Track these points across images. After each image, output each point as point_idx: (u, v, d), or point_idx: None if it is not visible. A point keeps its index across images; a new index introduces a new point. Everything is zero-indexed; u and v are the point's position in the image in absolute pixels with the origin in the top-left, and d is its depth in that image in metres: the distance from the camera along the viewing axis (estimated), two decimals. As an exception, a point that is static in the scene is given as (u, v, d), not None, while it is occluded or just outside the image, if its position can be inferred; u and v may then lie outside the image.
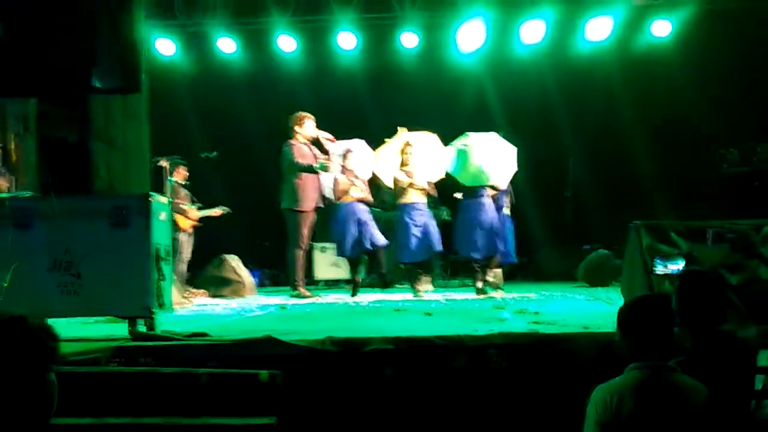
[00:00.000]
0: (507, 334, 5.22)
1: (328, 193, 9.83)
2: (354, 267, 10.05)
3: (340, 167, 9.66)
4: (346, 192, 9.59)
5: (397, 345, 5.10)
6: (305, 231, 9.51)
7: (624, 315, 3.81)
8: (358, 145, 10.01)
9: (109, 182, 5.73)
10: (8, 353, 2.48)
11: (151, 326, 5.58)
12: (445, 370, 5.04)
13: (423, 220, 9.53)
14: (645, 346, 3.65)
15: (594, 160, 12.81)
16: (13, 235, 5.48)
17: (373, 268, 10.20)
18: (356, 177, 9.72)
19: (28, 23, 5.49)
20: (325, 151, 9.75)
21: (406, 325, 6.26)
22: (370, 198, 9.80)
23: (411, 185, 9.51)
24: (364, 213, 9.67)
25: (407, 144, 9.69)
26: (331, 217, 9.87)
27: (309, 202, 9.51)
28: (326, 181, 9.84)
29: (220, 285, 10.40)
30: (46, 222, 5.50)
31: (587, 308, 7.37)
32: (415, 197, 9.57)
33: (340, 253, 9.94)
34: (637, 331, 3.69)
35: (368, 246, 9.55)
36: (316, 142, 9.77)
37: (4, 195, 7.07)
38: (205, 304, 9.19)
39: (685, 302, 3.93)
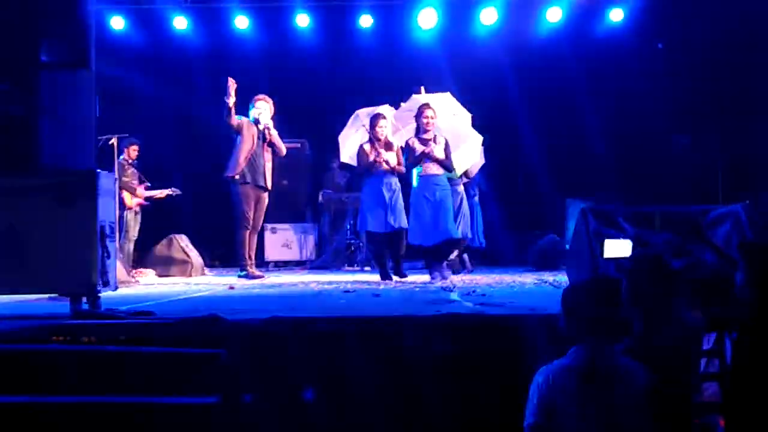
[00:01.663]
0: (454, 315, 5.24)
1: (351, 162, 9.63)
2: (376, 247, 9.44)
3: (367, 135, 9.20)
4: (372, 163, 8.99)
5: (342, 325, 5.09)
6: (242, 205, 9.33)
7: (568, 297, 3.85)
8: (388, 111, 9.49)
9: (54, 158, 5.62)
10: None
11: (94, 304, 5.50)
12: (390, 351, 5.03)
13: (441, 197, 8.69)
14: (588, 327, 3.69)
15: (547, 144, 12.88)
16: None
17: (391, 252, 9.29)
18: (387, 146, 9.06)
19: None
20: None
21: (354, 306, 6.26)
22: (401, 169, 8.98)
23: (425, 154, 8.63)
24: (391, 187, 9.01)
25: (427, 106, 8.80)
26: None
27: (236, 172, 9.34)
28: (350, 149, 9.58)
29: (168, 264, 10.31)
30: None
31: (534, 291, 7.43)
32: (432, 169, 8.71)
33: (360, 228, 9.62)
34: (581, 312, 3.72)
35: (393, 226, 8.90)
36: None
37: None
38: (153, 284, 9.11)
39: (634, 285, 3.97)
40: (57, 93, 5.71)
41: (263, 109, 9.45)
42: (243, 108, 9.43)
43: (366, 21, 12.46)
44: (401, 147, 9.00)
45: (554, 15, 12.27)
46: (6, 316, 5.22)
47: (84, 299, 5.50)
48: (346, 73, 12.99)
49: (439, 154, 8.65)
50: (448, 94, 9.63)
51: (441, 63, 12.22)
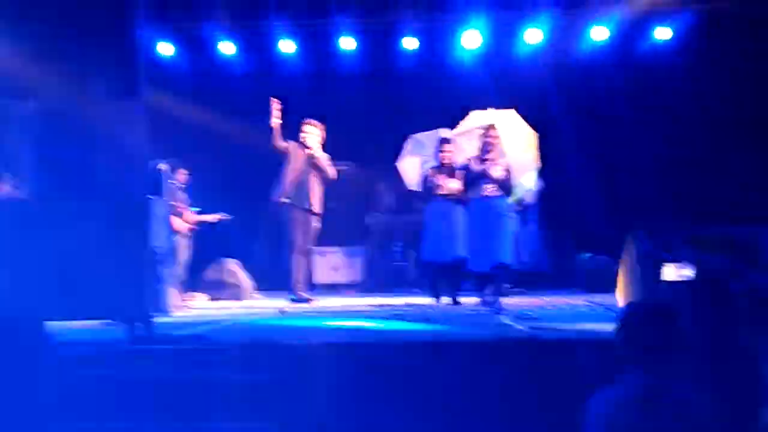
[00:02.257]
0: (505, 339, 5.21)
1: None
2: (432, 275, 9.34)
3: (430, 160, 9.12)
4: (435, 190, 8.89)
5: (395, 349, 5.08)
6: (291, 230, 9.38)
7: (623, 322, 3.78)
8: (447, 134, 9.32)
9: (107, 185, 5.70)
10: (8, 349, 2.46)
11: (148, 329, 5.55)
12: (442, 375, 5.01)
13: (497, 220, 8.45)
14: (644, 354, 3.62)
15: (597, 164, 12.76)
16: (15, 238, 5.47)
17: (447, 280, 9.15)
18: (450, 173, 8.91)
19: (28, 26, 5.47)
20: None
21: (405, 330, 6.24)
22: (465, 197, 8.73)
23: (484, 174, 8.45)
24: (453, 215, 8.85)
25: (491, 128, 8.64)
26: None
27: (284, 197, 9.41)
28: (413, 175, 9.53)
29: (218, 288, 10.39)
30: (45, 225, 5.48)
31: (587, 315, 7.34)
32: (490, 191, 8.48)
33: (421, 255, 9.46)
34: (636, 339, 3.66)
35: (451, 255, 8.75)
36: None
37: (4, 199, 7.08)
38: (204, 308, 9.17)
39: (692, 310, 3.90)
40: (109, 121, 5.79)
41: (311, 134, 9.50)
42: (292, 132, 9.49)
43: (410, 43, 12.48)
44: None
45: (599, 34, 12.19)
46: (64, 342, 5.29)
47: (138, 324, 5.55)
48: (392, 94, 13.01)
49: (498, 174, 8.47)
50: (512, 111, 9.40)
51: (485, 83, 12.21)
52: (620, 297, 6.44)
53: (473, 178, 8.47)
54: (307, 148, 9.41)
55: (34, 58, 5.41)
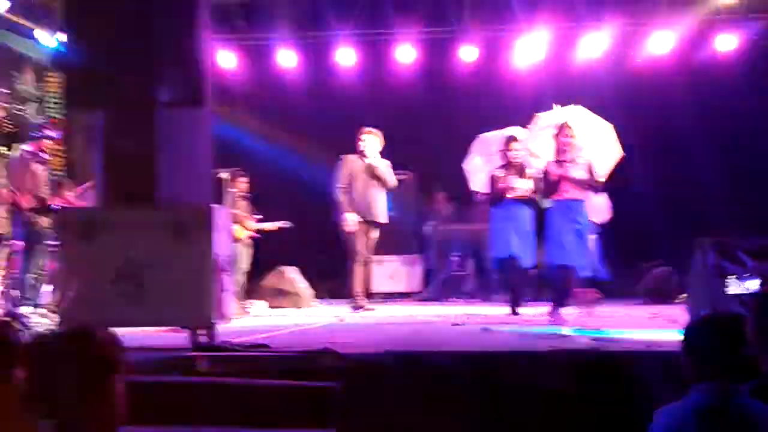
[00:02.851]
0: (568, 351, 5.15)
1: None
2: (506, 274, 9.11)
3: (495, 160, 8.93)
4: (503, 191, 8.63)
5: (458, 361, 5.06)
6: (351, 244, 9.45)
7: (689, 334, 3.72)
8: (521, 133, 8.88)
9: (171, 194, 5.79)
10: (74, 363, 2.49)
11: (211, 337, 5.62)
12: (502, 387, 4.97)
13: (578, 226, 7.96)
14: (711, 367, 3.55)
15: (655, 173, 12.59)
16: (78, 245, 5.58)
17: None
18: (520, 172, 8.65)
19: (97, 37, 5.58)
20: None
21: (464, 340, 6.22)
22: (534, 197, 8.49)
23: (564, 178, 7.93)
24: (521, 218, 8.62)
25: (565, 126, 8.09)
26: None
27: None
28: (480, 176, 9.35)
29: (278, 296, 10.46)
30: (109, 233, 5.58)
31: (650, 326, 7.23)
32: (572, 193, 7.96)
33: (492, 257, 9.27)
34: (703, 351, 3.59)
35: (517, 257, 8.50)
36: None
37: (69, 207, 7.24)
38: (264, 315, 9.25)
39: (760, 322, 3.81)
40: (173, 130, 5.89)
41: (369, 141, 9.52)
42: (351, 142, 9.50)
43: (468, 52, 12.47)
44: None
45: (661, 44, 12.04)
46: (127, 348, 5.37)
47: (200, 331, 5.62)
48: (450, 104, 13.01)
49: (579, 174, 7.96)
50: (580, 107, 8.86)
51: (544, 93, 12.12)
52: (686, 309, 6.34)
53: (553, 183, 7.94)
54: (365, 157, 9.44)
55: (101, 68, 5.52)
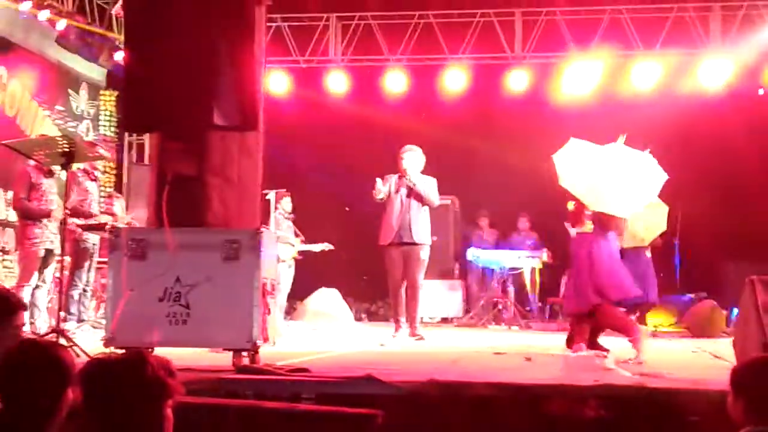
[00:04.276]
0: (611, 386, 5.09)
1: None
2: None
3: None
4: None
5: (500, 391, 5.03)
6: (389, 267, 9.14)
7: (739, 375, 3.66)
8: None
9: (221, 216, 5.85)
10: (129, 388, 2.54)
11: (254, 359, 5.65)
12: (546, 419, 4.93)
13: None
14: (762, 409, 3.50)
15: (702, 204, 12.45)
16: (128, 264, 5.66)
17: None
18: None
19: (154, 59, 5.68)
20: None
21: (507, 369, 6.17)
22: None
23: None
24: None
25: None
26: None
27: (384, 237, 9.14)
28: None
29: (318, 317, 10.51)
30: (159, 253, 5.65)
31: (695, 362, 7.13)
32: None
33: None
34: (754, 393, 3.54)
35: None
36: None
37: (120, 226, 7.34)
38: (305, 337, 9.27)
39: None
40: (226, 153, 5.96)
41: (409, 159, 9.18)
42: (393, 156, 9.41)
43: (518, 79, 12.49)
44: None
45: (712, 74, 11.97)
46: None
47: (244, 354, 5.65)
48: (498, 130, 13.02)
49: None
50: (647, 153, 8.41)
51: (595, 122, 12.05)
52: (733, 346, 6.22)
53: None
54: (407, 177, 9.10)
55: (157, 90, 5.60)
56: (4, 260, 10.56)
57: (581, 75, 12.18)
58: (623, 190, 7.76)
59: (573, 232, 8.11)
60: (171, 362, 2.71)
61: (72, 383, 2.67)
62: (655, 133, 12.37)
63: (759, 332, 5.36)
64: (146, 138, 11.75)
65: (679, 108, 12.38)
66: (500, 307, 12.00)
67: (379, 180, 9.05)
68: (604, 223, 7.81)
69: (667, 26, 11.88)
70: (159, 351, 5.74)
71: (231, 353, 5.68)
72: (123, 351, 4.52)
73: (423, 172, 9.30)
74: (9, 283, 8.58)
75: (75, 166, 7.60)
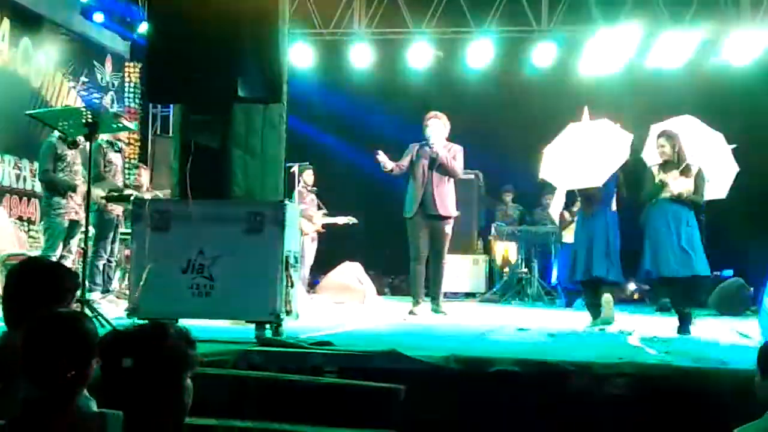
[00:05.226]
0: (637, 365, 5.05)
1: None
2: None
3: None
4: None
5: (524, 367, 5.00)
6: (411, 239, 8.85)
7: (764, 357, 3.62)
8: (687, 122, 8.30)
9: (245, 188, 5.84)
10: (149, 360, 2.53)
11: (277, 332, 5.65)
12: (567, 397, 4.90)
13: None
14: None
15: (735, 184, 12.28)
16: (151, 236, 5.66)
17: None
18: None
19: (179, 31, 5.65)
20: None
21: (530, 346, 6.14)
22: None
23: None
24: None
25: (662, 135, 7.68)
26: None
27: (408, 208, 8.80)
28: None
29: (341, 291, 10.50)
30: (182, 224, 5.66)
31: (722, 341, 7.06)
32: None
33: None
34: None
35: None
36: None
37: (143, 197, 7.35)
38: (327, 310, 9.26)
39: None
40: (250, 126, 5.94)
41: (433, 126, 8.81)
42: (416, 130, 9.17)
43: (544, 54, 12.35)
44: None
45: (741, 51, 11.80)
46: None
47: (267, 326, 5.65)
48: (523, 105, 12.92)
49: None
50: (691, 118, 8.54)
51: (620, 97, 11.92)
52: (759, 326, 6.15)
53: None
54: (431, 145, 8.72)
55: (182, 62, 5.58)
56: (30, 230, 10.65)
57: (608, 48, 12.01)
58: (589, 162, 7.80)
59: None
60: (190, 333, 2.70)
61: (95, 355, 2.66)
62: (683, 108, 12.29)
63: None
64: (170, 110, 11.75)
65: (707, 82, 12.23)
66: (524, 283, 11.95)
67: (381, 153, 8.79)
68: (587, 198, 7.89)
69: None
70: (182, 322, 5.77)
71: (254, 325, 5.68)
72: (145, 322, 4.54)
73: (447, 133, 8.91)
74: (34, 253, 8.63)
75: (100, 137, 7.60)
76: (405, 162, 8.80)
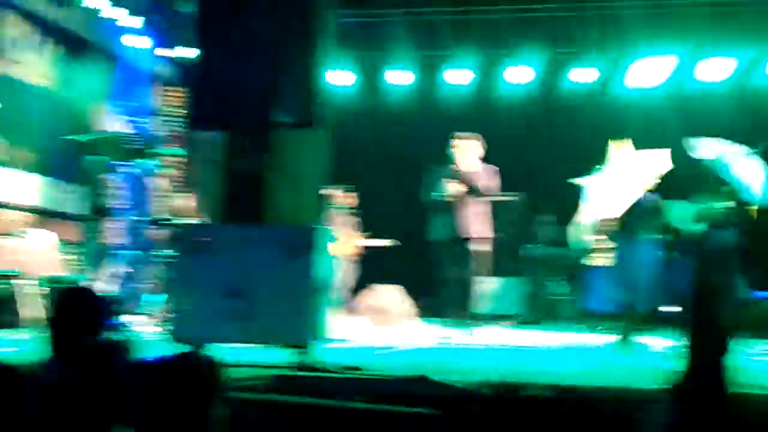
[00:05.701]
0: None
1: None
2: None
3: None
4: None
5: (558, 393, 5.00)
6: (446, 263, 8.85)
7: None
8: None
9: (283, 213, 5.94)
10: (176, 390, 2.60)
11: (309, 356, 5.70)
12: (601, 422, 4.88)
13: None
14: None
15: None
16: (190, 260, 5.77)
17: None
18: None
19: (223, 57, 5.79)
20: None
21: (571, 370, 6.10)
22: None
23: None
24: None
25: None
26: None
27: (441, 232, 8.85)
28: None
29: (381, 314, 10.52)
30: (220, 249, 5.74)
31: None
32: None
33: None
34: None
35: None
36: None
37: (184, 222, 7.47)
38: (365, 334, 9.27)
39: None
40: (287, 151, 6.04)
41: (461, 148, 8.80)
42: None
43: (581, 75, 12.36)
44: None
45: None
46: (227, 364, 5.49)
47: (300, 351, 5.71)
48: (562, 125, 12.91)
49: None
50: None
51: (659, 118, 11.87)
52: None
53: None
54: (458, 166, 8.72)
55: (225, 88, 5.71)
56: (70, 253, 10.80)
57: (649, 68, 11.98)
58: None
59: None
60: (218, 363, 2.76)
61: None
62: (722, 127, 12.20)
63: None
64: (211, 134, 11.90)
65: (747, 102, 12.14)
66: (560, 304, 11.92)
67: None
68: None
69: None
70: (219, 346, 5.87)
71: (288, 350, 5.75)
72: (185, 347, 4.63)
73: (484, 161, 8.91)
74: (74, 276, 8.78)
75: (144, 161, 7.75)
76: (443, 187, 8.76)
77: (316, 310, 5.70)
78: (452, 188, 8.69)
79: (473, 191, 8.73)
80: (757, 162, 7.96)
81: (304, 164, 6.15)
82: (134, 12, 11.54)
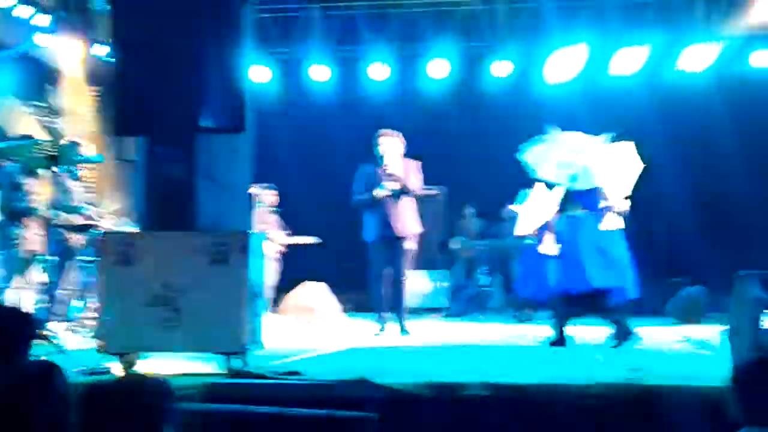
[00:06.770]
0: (607, 385, 5.07)
1: None
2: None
3: None
4: None
5: (495, 392, 5.02)
6: (373, 260, 8.97)
7: (740, 376, 3.65)
8: None
9: (210, 219, 5.80)
10: (126, 416, 2.49)
11: (244, 363, 5.60)
12: (542, 419, 4.92)
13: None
14: (754, 413, 3.49)
15: (688, 189, 12.46)
16: (116, 269, 5.59)
17: None
18: None
19: (140, 63, 5.61)
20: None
21: (505, 368, 6.12)
22: None
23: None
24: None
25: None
26: None
27: (368, 231, 8.95)
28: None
29: (305, 311, 10.46)
30: (147, 257, 5.59)
31: (683, 355, 7.15)
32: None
33: None
34: (755, 395, 3.53)
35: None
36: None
37: (109, 230, 7.25)
38: (292, 334, 9.18)
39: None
40: (214, 156, 5.91)
41: (386, 145, 8.84)
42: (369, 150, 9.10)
43: (501, 68, 12.44)
44: None
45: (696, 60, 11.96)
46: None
47: (235, 357, 5.60)
48: (482, 119, 12.99)
49: None
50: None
51: (578, 109, 12.02)
52: (726, 340, 6.20)
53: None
54: (383, 162, 8.77)
55: (145, 93, 5.54)
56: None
57: (565, 61, 12.11)
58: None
59: None
60: (168, 385, 2.66)
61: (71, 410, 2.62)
62: (638, 119, 12.46)
63: (751, 329, 5.36)
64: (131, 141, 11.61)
65: (661, 93, 12.39)
66: (485, 297, 12.01)
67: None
68: None
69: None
70: (149, 356, 5.72)
71: (222, 357, 5.63)
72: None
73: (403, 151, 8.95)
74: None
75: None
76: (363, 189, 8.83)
77: (250, 315, 5.59)
78: (383, 187, 8.74)
79: (402, 189, 8.79)
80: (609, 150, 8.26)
81: (232, 170, 6.03)
82: (45, 10, 11.13)
